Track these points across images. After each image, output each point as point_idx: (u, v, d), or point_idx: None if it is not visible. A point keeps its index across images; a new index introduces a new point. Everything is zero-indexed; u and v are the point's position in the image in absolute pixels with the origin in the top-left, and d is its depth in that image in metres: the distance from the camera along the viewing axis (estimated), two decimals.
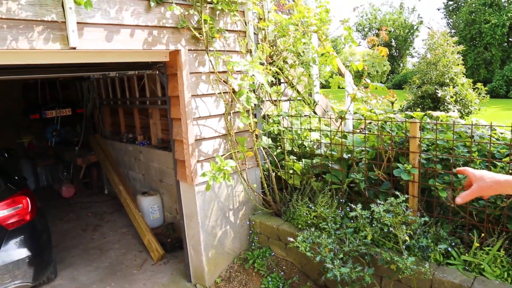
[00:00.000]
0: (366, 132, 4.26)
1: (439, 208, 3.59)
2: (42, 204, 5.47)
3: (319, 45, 4.96)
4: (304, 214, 4.01)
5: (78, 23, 3.11)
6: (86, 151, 8.08)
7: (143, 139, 6.48)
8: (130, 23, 3.41)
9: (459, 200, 1.41)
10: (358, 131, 4.86)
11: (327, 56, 4.80)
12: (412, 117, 5.88)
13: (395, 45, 35.22)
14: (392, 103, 9.89)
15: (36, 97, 8.84)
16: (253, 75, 3.37)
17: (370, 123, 4.98)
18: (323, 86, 5.56)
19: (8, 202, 3.99)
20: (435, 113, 6.61)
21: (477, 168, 3.36)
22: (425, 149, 3.77)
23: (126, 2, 3.39)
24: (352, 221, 3.65)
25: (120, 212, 6.86)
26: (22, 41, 2.91)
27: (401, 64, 35.68)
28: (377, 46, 3.92)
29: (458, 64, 10.97)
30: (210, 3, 3.84)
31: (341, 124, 4.09)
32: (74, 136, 8.80)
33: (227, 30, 4.09)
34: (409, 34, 36.27)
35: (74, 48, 3.11)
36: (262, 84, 3.56)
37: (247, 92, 3.45)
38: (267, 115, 4.83)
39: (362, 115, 5.44)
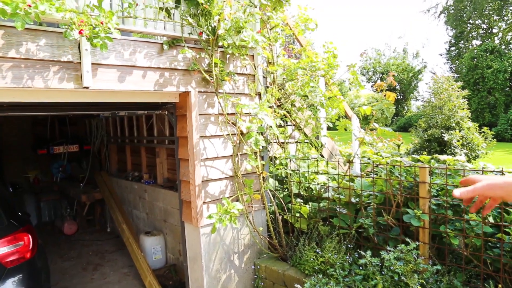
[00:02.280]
0: (374, 176, 4.23)
1: (451, 255, 3.49)
2: (43, 240, 5.38)
3: (327, 88, 5.03)
4: (311, 259, 3.90)
5: (92, 63, 3.19)
6: (91, 188, 8.05)
7: (148, 177, 6.46)
8: (143, 64, 3.49)
9: (457, 193, 1.16)
10: (365, 174, 4.83)
11: (334, 99, 4.86)
12: (419, 160, 5.85)
13: (399, 89, 35.75)
14: (398, 146, 9.88)
15: (44, 132, 8.94)
16: (262, 118, 3.39)
17: (377, 166, 4.95)
18: (329, 128, 5.59)
19: (9, 239, 3.92)
20: (442, 157, 6.58)
21: (490, 214, 3.29)
22: (435, 194, 3.72)
23: (140, 45, 3.48)
24: (361, 268, 3.54)
25: (122, 251, 6.73)
26: (38, 80, 2.97)
27: (406, 107, 36.05)
28: (385, 91, 3.97)
29: (463, 108, 11.04)
30: (221, 47, 3.94)
31: (349, 168, 4.07)
32: (80, 172, 8.80)
33: (236, 73, 4.17)
34: (413, 78, 36.90)
35: (87, 88, 3.17)
36: (271, 126, 3.58)
37: (256, 135, 3.46)
38: (274, 157, 4.83)
39: (369, 159, 5.42)
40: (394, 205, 3.72)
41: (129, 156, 7.25)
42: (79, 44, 3.13)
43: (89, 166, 8.33)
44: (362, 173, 4.96)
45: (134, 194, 6.81)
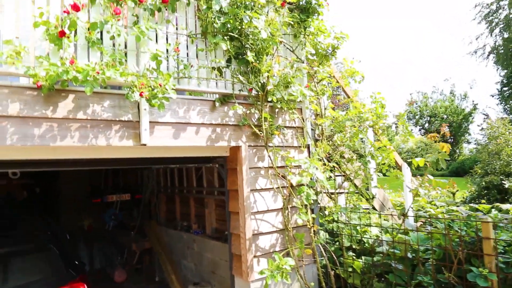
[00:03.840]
0: (430, 228, 4.03)
1: None
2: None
3: (375, 138, 4.97)
4: None
5: (150, 122, 3.38)
6: (141, 237, 8.22)
7: (197, 228, 6.52)
8: (196, 121, 3.65)
9: None
10: (420, 224, 4.62)
11: (384, 149, 4.78)
12: (477, 209, 5.53)
13: (449, 132, 34.54)
14: (453, 193, 9.39)
15: (99, 182, 9.37)
16: (312, 172, 3.39)
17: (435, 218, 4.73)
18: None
19: None
20: (505, 206, 6.16)
21: None
22: (502, 250, 3.47)
23: (194, 103, 3.66)
24: None
25: None
26: (101, 138, 3.17)
27: (457, 150, 34.58)
28: (438, 141, 3.87)
29: None
30: (270, 101, 4.05)
31: (403, 221, 3.92)
32: (131, 220, 9.04)
33: (285, 127, 4.24)
34: (463, 120, 35.61)
35: (145, 145, 3.34)
36: (322, 180, 3.56)
37: (307, 189, 3.45)
38: (324, 207, 4.75)
39: (425, 211, 5.19)
40: (456, 262, 3.50)
41: (178, 206, 7.39)
42: (138, 104, 3.34)
43: (139, 215, 8.56)
44: (417, 225, 4.75)
45: (183, 244, 6.86)
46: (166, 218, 8.08)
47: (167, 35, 3.61)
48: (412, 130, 35.01)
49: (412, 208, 4.25)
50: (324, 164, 3.88)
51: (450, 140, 33.82)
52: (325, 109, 4.58)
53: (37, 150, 3.09)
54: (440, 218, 3.77)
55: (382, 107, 4.75)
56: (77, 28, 3.02)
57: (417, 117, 37.88)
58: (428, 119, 36.78)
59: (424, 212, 5.33)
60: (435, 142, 3.54)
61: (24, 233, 6.03)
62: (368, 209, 5.20)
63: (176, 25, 3.68)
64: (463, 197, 10.56)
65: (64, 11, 2.92)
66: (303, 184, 3.50)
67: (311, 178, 3.59)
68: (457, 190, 9.45)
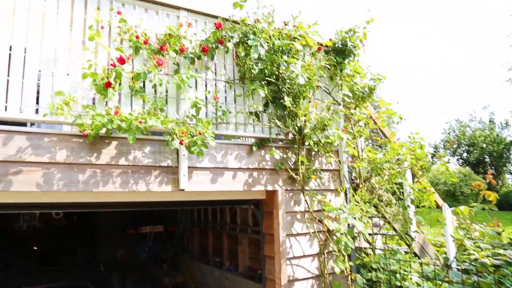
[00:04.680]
0: (476, 279, 3.81)
1: None
2: None
3: (415, 180, 4.83)
4: None
5: (188, 167, 3.42)
6: (174, 270, 8.22)
7: (230, 264, 6.46)
8: (234, 166, 3.67)
9: None
10: (464, 271, 4.38)
11: (424, 191, 4.64)
12: None
13: (489, 162, 33.12)
14: (499, 233, 8.89)
15: (134, 213, 9.52)
16: (351, 222, 3.31)
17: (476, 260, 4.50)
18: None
19: None
20: None
21: None
22: None
23: (231, 147, 3.70)
24: None
25: None
26: (141, 184, 3.24)
27: (500, 182, 32.99)
28: (484, 190, 3.70)
29: None
30: (307, 145, 4.03)
31: (447, 272, 3.73)
32: (164, 253, 9.09)
33: (322, 170, 4.19)
34: (505, 149, 34.11)
35: (183, 190, 3.38)
36: (361, 231, 3.47)
37: (345, 239, 3.37)
38: (361, 247, 4.60)
39: (465, 251, 4.94)
40: None
41: (211, 241, 7.37)
42: (177, 149, 3.41)
43: (172, 248, 8.60)
44: (462, 275, 4.50)
45: (215, 280, 6.80)
46: (199, 252, 8.07)
47: (206, 81, 3.70)
48: (449, 159, 33.86)
49: (456, 259, 4.04)
50: (362, 210, 3.77)
51: (491, 170, 32.37)
52: (362, 150, 4.51)
53: (81, 194, 3.18)
54: (489, 271, 3.56)
55: (421, 147, 4.64)
56: (122, 78, 3.15)
57: (454, 146, 36.67)
58: (467, 148, 35.48)
59: (466, 254, 5.07)
60: (479, 191, 3.35)
61: (63, 267, 6.18)
62: (407, 252, 5.00)
63: (215, 71, 3.77)
64: (511, 238, 9.97)
65: (111, 64, 3.06)
66: (342, 235, 3.42)
67: (348, 225, 3.50)
68: (503, 230, 8.94)
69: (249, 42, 3.50)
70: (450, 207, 5.28)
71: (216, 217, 6.97)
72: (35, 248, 9.01)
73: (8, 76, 2.93)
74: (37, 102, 3.02)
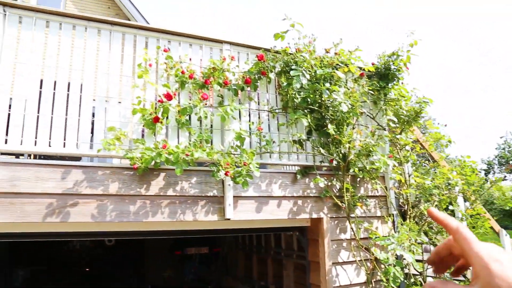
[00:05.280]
0: None
1: None
2: None
3: (468, 206, 4.61)
4: None
5: (234, 196, 3.48)
6: None
7: None
8: (278, 194, 3.68)
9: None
10: None
11: (478, 217, 4.41)
12: None
13: None
14: None
15: None
16: (400, 254, 3.21)
17: None
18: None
19: None
20: None
21: None
22: None
23: (275, 176, 3.72)
24: None
25: None
26: (188, 214, 3.32)
27: None
28: None
29: None
30: (352, 171, 3.98)
31: None
32: (208, 274, 9.17)
33: (367, 196, 4.11)
34: None
35: (229, 219, 3.43)
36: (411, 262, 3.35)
37: (394, 271, 3.26)
38: (411, 274, 4.42)
39: None
40: None
41: (256, 264, 7.36)
42: (222, 180, 3.48)
43: (217, 269, 8.66)
44: None
45: None
46: (243, 275, 8.07)
47: (249, 111, 3.78)
48: (505, 176, 31.92)
49: None
50: (409, 241, 3.64)
51: None
52: (409, 176, 4.38)
53: (131, 224, 3.31)
54: None
55: (473, 171, 4.43)
56: (169, 113, 3.29)
57: (510, 161, 34.59)
58: None
59: None
60: None
61: None
62: (462, 280, 4.75)
63: (258, 101, 3.84)
64: None
65: (159, 100, 3.20)
66: (390, 266, 3.32)
67: (396, 257, 3.40)
68: None
69: (291, 72, 3.54)
70: (508, 228, 4.98)
71: (260, 241, 6.97)
72: (87, 269, 9.39)
73: (66, 114, 3.15)
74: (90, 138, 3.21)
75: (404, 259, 3.39)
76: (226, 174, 3.20)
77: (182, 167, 3.10)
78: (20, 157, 4.94)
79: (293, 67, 3.62)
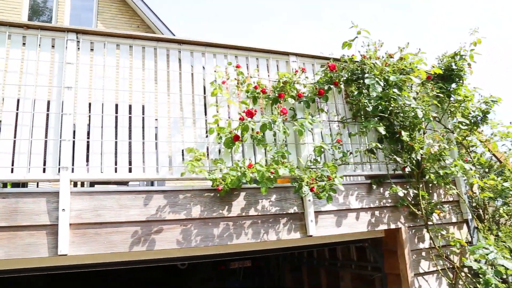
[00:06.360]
0: None
1: None
2: None
3: None
4: None
5: (314, 212, 3.36)
6: None
7: None
8: (356, 206, 3.57)
9: None
10: None
11: None
12: None
13: None
14: None
15: None
16: (501, 264, 3.07)
17: None
18: None
19: None
20: None
21: None
22: None
23: (351, 187, 3.61)
24: None
25: None
26: (271, 233, 3.22)
27: None
28: None
29: None
30: (425, 178, 3.84)
31: None
32: None
33: (441, 202, 3.97)
34: None
35: (311, 236, 3.32)
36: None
37: (495, 281, 3.12)
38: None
39: None
40: None
41: (306, 277, 7.19)
42: (302, 198, 3.37)
43: (262, 283, 8.51)
44: None
45: None
46: None
47: (320, 123, 3.68)
48: None
49: None
50: (505, 247, 3.50)
51: None
52: (482, 178, 4.23)
53: (215, 248, 3.21)
54: None
55: None
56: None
57: None
58: None
59: None
60: None
61: None
62: None
63: (328, 112, 3.74)
64: None
65: (240, 118, 3.11)
66: (489, 277, 3.17)
67: (492, 266, 3.25)
68: None
69: (366, 81, 3.43)
70: None
71: (311, 251, 6.81)
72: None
73: (143, 138, 3.08)
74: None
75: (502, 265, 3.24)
76: (311, 190, 3.09)
77: (267, 185, 3.00)
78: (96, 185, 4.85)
79: (366, 75, 3.51)
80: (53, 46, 2.99)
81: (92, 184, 4.73)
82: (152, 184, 4.72)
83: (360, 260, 5.34)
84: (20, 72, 2.87)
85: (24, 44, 2.92)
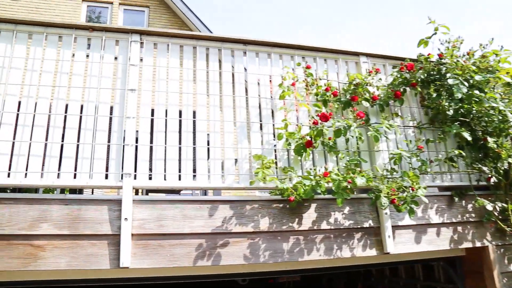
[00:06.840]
0: None
1: None
2: None
3: None
4: None
5: (392, 226, 3.04)
6: None
7: None
8: (436, 221, 3.21)
9: None
10: None
11: None
12: None
13: None
14: None
15: None
16: None
17: None
18: None
19: None
20: None
21: None
22: None
23: (430, 200, 3.26)
24: None
25: None
26: (345, 249, 2.92)
27: None
28: None
29: None
30: None
31: None
32: None
33: None
34: None
35: (388, 253, 2.99)
36: None
37: None
38: None
39: None
40: None
41: None
42: (376, 207, 3.06)
43: None
44: None
45: None
46: None
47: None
48: None
49: None
50: None
51: None
52: None
53: (285, 264, 2.95)
54: None
55: None
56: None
57: None
58: None
59: None
60: None
61: None
62: None
63: (402, 116, 3.43)
64: None
65: (314, 122, 2.86)
66: None
67: None
68: None
69: (449, 81, 3.10)
70: None
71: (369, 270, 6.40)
72: None
73: (208, 144, 2.88)
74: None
75: None
76: (392, 201, 2.78)
77: (343, 196, 2.71)
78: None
79: (448, 75, 3.17)
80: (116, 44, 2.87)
81: (146, 192, 4.61)
82: (205, 194, 4.55)
83: (428, 279, 4.91)
84: (84, 75, 2.77)
85: (89, 46, 2.81)
